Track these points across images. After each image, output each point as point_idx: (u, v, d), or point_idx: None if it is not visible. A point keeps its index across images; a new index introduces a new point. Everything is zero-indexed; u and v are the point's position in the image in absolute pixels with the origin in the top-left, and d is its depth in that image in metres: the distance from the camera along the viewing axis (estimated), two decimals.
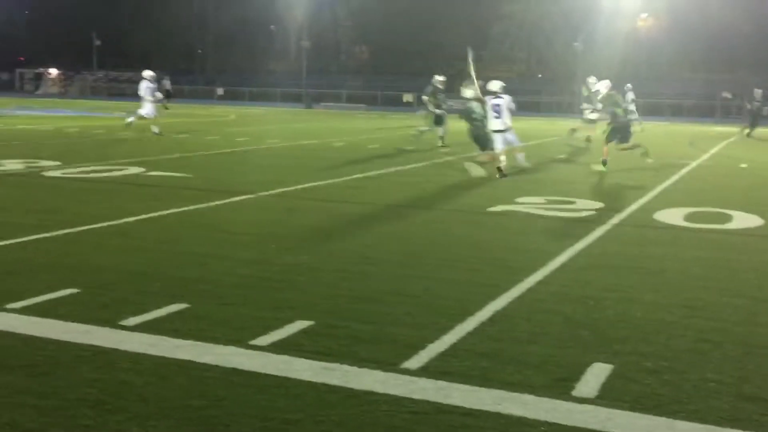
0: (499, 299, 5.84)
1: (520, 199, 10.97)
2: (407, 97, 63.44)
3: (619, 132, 15.42)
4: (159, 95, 23.28)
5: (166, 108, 41.89)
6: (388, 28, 71.88)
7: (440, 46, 69.24)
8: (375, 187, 12.26)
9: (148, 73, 22.81)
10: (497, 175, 13.51)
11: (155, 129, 21.99)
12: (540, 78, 67.54)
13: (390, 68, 72.73)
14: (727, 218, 9.69)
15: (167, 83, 46.44)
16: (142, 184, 11.98)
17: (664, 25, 62.29)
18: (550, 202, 10.84)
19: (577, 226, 8.99)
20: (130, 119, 22.49)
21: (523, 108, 48.70)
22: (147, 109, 22.30)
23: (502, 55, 66.91)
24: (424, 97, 20.68)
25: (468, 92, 14.22)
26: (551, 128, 30.87)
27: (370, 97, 62.73)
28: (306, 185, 12.09)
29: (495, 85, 14.42)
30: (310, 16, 68.22)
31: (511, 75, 66.36)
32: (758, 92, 26.61)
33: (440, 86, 20.20)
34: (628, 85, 29.21)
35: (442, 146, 19.34)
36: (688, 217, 9.71)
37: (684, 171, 15.51)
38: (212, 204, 10.10)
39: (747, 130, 26.83)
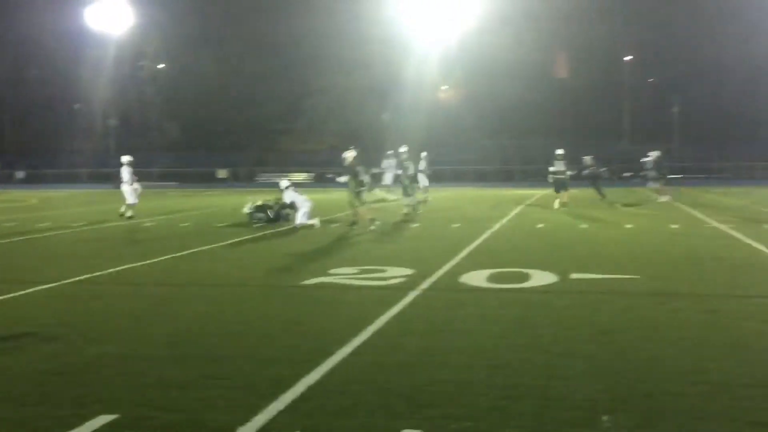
0: (313, 373, 5.86)
1: (333, 270, 11.12)
2: (221, 173, 63.04)
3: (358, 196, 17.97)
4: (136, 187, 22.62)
5: None
6: (199, 105, 71.58)
7: (253, 122, 69.74)
8: (187, 268, 11.99)
9: (126, 158, 22.41)
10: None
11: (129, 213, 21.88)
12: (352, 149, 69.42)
13: (202, 144, 72.15)
14: (526, 277, 10.32)
15: None
16: None
17: (463, 96, 66.42)
18: (362, 271, 11.07)
19: (389, 294, 9.21)
20: (126, 211, 21.93)
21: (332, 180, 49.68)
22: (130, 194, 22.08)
23: (314, 128, 68.32)
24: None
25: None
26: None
27: (182, 175, 61.71)
28: (114, 269, 11.62)
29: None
30: (117, 94, 66.67)
31: (324, 147, 67.92)
32: (587, 158, 27.72)
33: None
34: (423, 153, 30.33)
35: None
36: (491, 278, 10.24)
37: (488, 233, 16.38)
38: (12, 296, 9.44)
39: (600, 196, 26.57)
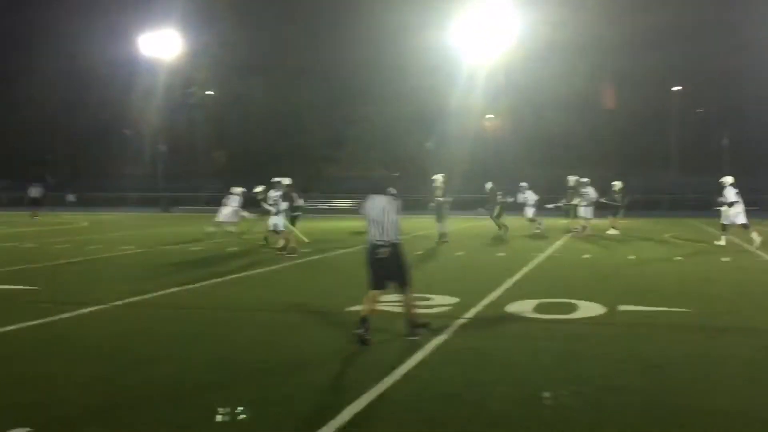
0: (359, 401, 5.86)
1: None
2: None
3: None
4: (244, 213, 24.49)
5: (35, 216, 38.43)
6: (246, 132, 72.62)
7: (298, 149, 70.48)
8: (236, 291, 12.12)
9: (237, 190, 24.44)
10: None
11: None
12: (397, 177, 69.49)
13: (249, 171, 73.01)
14: (573, 308, 10.19)
15: (35, 191, 41.65)
16: None
17: (508, 125, 66.23)
18: None
19: (434, 322, 9.16)
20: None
21: None
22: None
23: (357, 156, 68.70)
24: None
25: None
26: (411, 225, 31.67)
27: None
28: (162, 292, 11.79)
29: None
30: (166, 120, 67.87)
31: (368, 175, 68.17)
32: (576, 180, 27.79)
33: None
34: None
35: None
36: (537, 308, 10.14)
37: (534, 263, 16.24)
38: (62, 317, 9.64)
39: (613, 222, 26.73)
